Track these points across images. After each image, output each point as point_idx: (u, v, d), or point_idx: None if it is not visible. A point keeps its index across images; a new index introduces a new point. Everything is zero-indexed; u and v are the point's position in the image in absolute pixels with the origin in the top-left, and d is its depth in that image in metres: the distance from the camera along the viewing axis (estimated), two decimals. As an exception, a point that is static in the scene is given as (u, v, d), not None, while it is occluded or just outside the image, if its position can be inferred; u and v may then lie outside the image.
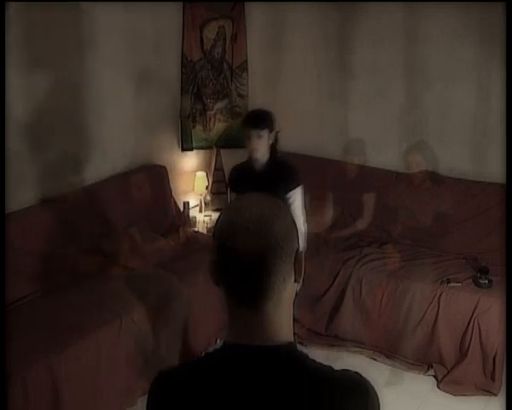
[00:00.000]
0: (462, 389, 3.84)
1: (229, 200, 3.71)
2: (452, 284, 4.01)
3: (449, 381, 3.89)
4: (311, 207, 4.85)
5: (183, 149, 5.27)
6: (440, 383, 3.91)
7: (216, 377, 1.13)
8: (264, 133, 3.37)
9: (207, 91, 5.30)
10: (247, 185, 3.09)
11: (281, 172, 3.43)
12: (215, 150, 5.50)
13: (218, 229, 1.15)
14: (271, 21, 5.33)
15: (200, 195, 5.39)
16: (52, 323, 3.46)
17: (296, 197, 3.40)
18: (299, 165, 5.15)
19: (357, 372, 1.16)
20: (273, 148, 3.47)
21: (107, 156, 4.55)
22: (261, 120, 3.41)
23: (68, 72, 4.21)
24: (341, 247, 4.59)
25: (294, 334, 1.19)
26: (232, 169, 3.67)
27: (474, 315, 3.85)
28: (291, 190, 3.38)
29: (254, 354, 1.12)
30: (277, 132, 3.51)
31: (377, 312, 4.19)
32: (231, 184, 3.63)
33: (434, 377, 3.98)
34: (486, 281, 3.98)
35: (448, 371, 3.93)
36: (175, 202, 5.01)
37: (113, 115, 4.57)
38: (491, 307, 3.82)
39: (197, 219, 5.22)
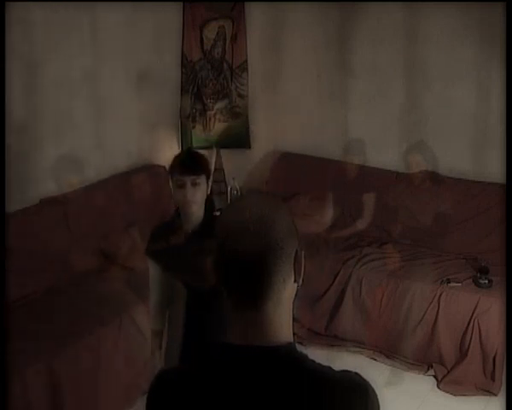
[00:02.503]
0: (462, 389, 3.83)
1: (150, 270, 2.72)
2: (452, 284, 4.01)
3: (449, 381, 3.88)
4: (311, 207, 4.87)
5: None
6: (440, 383, 3.91)
7: (216, 377, 1.13)
8: (202, 180, 2.55)
9: (207, 91, 5.30)
10: (174, 251, 2.51)
11: None
12: (215, 150, 5.50)
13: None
14: (271, 21, 5.33)
15: (200, 195, 5.37)
16: (52, 323, 3.46)
17: None
18: (299, 165, 5.25)
19: (356, 373, 1.16)
20: (209, 199, 2.68)
21: (107, 156, 4.55)
22: (197, 163, 2.59)
23: (68, 71, 4.21)
24: (341, 247, 4.59)
25: (294, 334, 1.19)
26: (154, 229, 2.74)
27: (474, 315, 3.84)
28: None
29: (254, 354, 1.12)
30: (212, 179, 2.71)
31: (377, 312, 4.19)
32: (151, 250, 2.67)
33: (434, 377, 3.98)
34: (486, 281, 3.98)
35: (448, 371, 3.93)
36: (175, 202, 5.00)
37: (113, 115, 4.57)
38: (491, 307, 3.81)
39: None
